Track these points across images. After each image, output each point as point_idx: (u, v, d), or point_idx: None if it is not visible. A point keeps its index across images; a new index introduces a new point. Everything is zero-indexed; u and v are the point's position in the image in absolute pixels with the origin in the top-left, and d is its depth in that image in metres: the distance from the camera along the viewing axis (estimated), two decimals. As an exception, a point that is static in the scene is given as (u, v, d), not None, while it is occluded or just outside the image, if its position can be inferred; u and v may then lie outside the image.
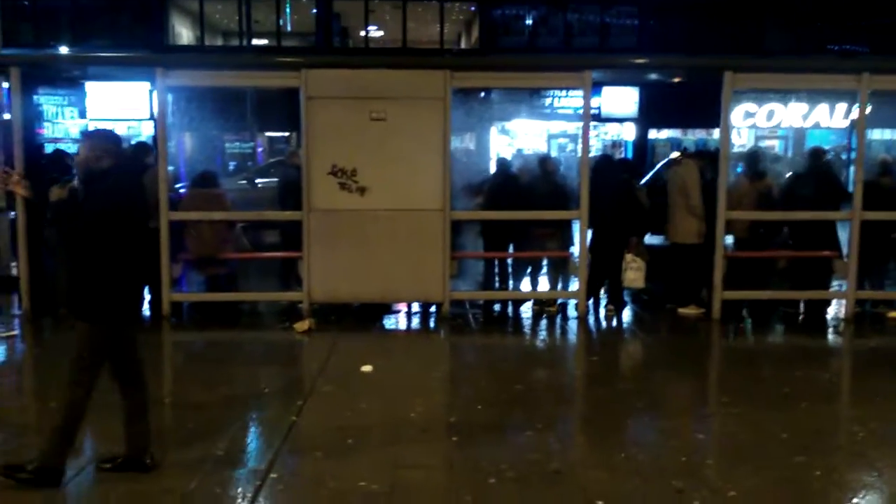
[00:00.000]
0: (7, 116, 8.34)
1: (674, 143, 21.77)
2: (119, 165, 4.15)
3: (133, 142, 13.44)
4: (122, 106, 17.78)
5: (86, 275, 4.03)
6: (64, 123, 18.56)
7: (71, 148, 11.49)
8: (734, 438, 5.03)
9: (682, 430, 5.26)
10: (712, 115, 8.22)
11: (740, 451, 4.77)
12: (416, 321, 8.35)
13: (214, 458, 4.52)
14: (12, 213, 8.55)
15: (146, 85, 14.57)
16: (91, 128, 15.00)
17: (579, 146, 9.52)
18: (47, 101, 17.64)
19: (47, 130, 17.41)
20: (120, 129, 18.55)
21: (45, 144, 11.86)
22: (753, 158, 8.76)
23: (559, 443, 5.00)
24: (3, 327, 7.72)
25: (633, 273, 8.12)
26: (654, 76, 11.24)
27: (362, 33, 23.83)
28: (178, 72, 8.00)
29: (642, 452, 4.79)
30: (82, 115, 18.39)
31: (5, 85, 8.24)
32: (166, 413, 5.37)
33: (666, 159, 15.24)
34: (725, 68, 7.95)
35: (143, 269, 4.39)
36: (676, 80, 10.70)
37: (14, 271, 8.62)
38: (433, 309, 8.24)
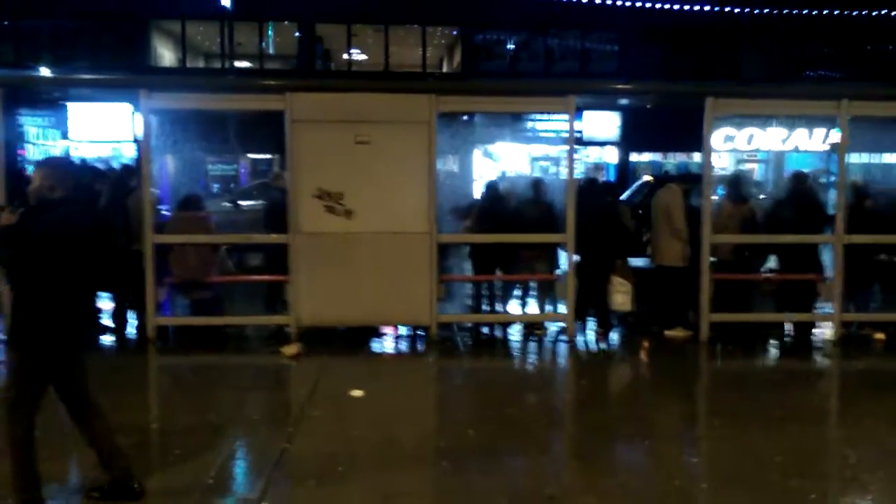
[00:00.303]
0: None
1: (655, 167, 22.02)
2: (73, 196, 4.04)
3: (115, 164, 13.35)
4: (104, 127, 17.67)
5: (27, 304, 3.91)
6: (46, 145, 18.40)
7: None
8: (727, 462, 5.02)
9: (674, 453, 5.25)
10: (692, 138, 8.29)
11: (734, 474, 4.75)
12: (404, 344, 8.30)
13: (204, 486, 4.43)
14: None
15: (128, 106, 14.48)
16: (73, 154, 14.90)
17: (562, 169, 9.56)
18: (29, 123, 17.50)
19: (29, 152, 17.25)
20: (102, 151, 18.43)
21: (27, 166, 11.71)
22: (736, 182, 8.86)
23: (552, 468, 4.97)
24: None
25: (622, 297, 8.15)
26: (635, 101, 11.38)
27: (345, 56, 23.94)
28: (162, 94, 7.95)
29: (635, 477, 4.77)
30: (64, 136, 18.25)
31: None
32: (153, 439, 5.28)
33: (638, 183, 15.39)
34: (707, 94, 8.03)
35: (95, 299, 4.25)
36: (648, 105, 10.86)
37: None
38: (421, 332, 8.20)
